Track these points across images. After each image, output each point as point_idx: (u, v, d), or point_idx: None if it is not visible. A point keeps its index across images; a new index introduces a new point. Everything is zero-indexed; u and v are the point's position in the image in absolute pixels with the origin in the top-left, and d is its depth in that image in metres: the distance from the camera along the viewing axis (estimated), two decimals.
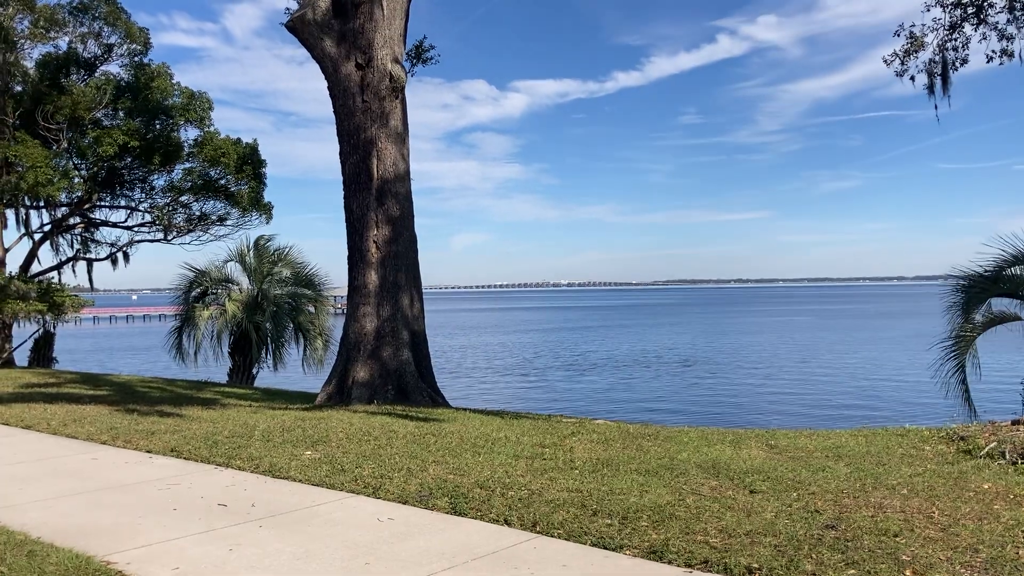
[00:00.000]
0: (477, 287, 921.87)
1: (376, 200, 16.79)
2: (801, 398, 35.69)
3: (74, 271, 33.70)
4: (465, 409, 15.61)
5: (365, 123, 16.84)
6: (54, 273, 32.93)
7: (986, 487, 8.10)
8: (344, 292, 17.47)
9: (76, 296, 29.21)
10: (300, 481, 9.10)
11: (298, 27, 17.28)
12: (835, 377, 43.65)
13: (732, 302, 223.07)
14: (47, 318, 29.12)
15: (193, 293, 26.01)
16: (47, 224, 32.21)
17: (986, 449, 9.36)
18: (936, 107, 14.72)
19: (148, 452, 10.92)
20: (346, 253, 17.19)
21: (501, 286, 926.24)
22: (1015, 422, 10.29)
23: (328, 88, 17.35)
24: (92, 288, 33.76)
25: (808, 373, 45.92)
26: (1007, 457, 9.02)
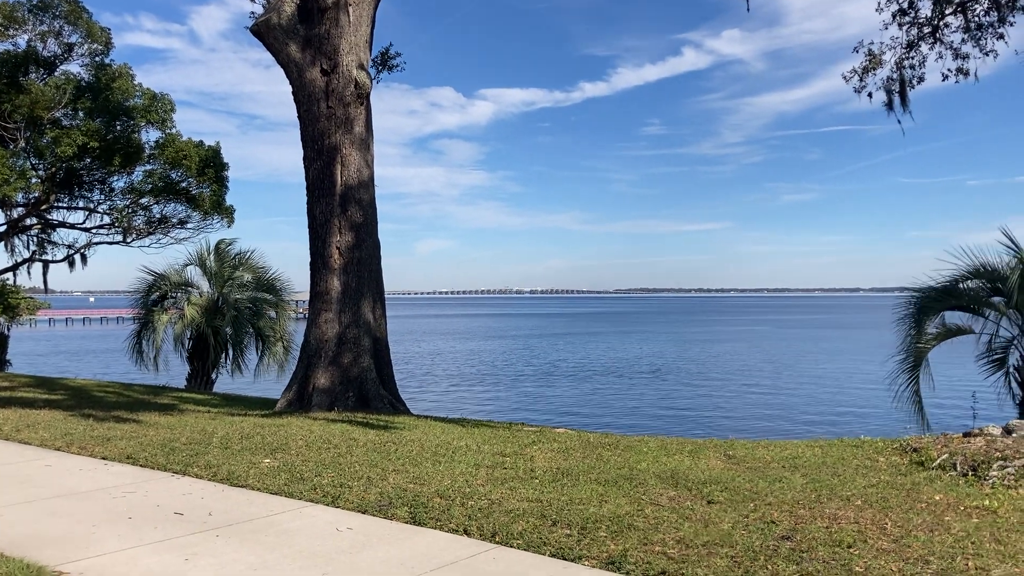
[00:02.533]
0: (441, 293, 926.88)
1: (340, 206, 16.70)
2: (760, 409, 36.12)
3: (29, 273, 33.15)
4: (427, 417, 15.50)
5: (329, 129, 16.75)
6: (9, 275, 32.36)
7: (937, 498, 8.24)
8: (306, 297, 17.30)
9: (31, 298, 28.72)
10: (258, 489, 9.02)
11: (263, 31, 17.15)
12: (793, 388, 44.12)
13: (693, 311, 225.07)
14: (1, 320, 28.59)
15: (152, 297, 25.69)
16: (2, 224, 31.65)
17: (938, 461, 9.53)
18: (899, 121, 15.00)
19: (103, 459, 10.77)
20: (309, 258, 17.02)
21: (465, 292, 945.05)
22: (966, 434, 10.48)
23: (293, 93, 17.23)
24: (47, 290, 33.20)
25: (767, 383, 46.21)
26: (958, 469, 9.19)
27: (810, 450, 11.05)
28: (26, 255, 32.88)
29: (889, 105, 15.14)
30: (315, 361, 16.31)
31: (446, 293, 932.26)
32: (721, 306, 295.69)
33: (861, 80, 15.22)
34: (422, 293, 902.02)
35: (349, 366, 16.19)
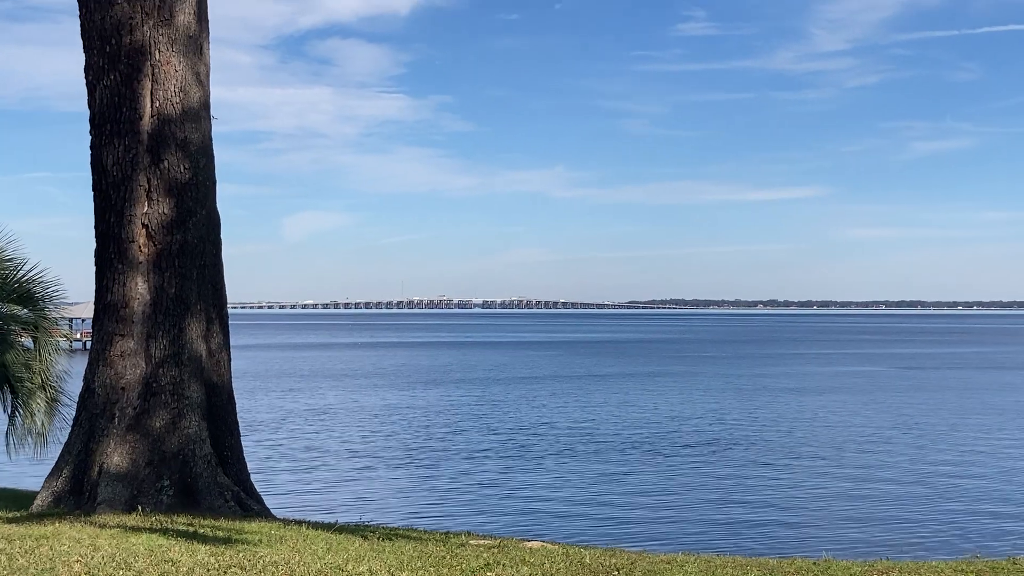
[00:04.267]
0: (332, 306, 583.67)
1: (149, 152, 11.30)
2: (873, 504, 23.45)
3: None
4: (299, 522, 11.56)
5: (132, 17, 11.19)
6: None
7: None
8: (90, 312, 12.35)
9: None
10: None
11: None
12: (933, 475, 27.66)
13: (763, 339, 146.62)
14: None
15: None
16: None
17: None
18: None
19: None
20: (94, 244, 11.79)
21: (375, 305, 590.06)
22: None
23: None
24: None
25: (888, 464, 29.31)
26: None
27: None
28: None
29: None
30: (104, 424, 11.38)
31: (341, 306, 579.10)
32: (810, 331, 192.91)
33: None
34: (297, 306, 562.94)
35: (164, 433, 11.39)
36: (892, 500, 24.07)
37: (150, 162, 11.05)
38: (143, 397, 11.09)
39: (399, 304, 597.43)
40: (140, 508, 10.92)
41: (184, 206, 11.16)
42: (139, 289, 10.99)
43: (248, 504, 11.21)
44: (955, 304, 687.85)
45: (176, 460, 11.12)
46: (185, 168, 11.17)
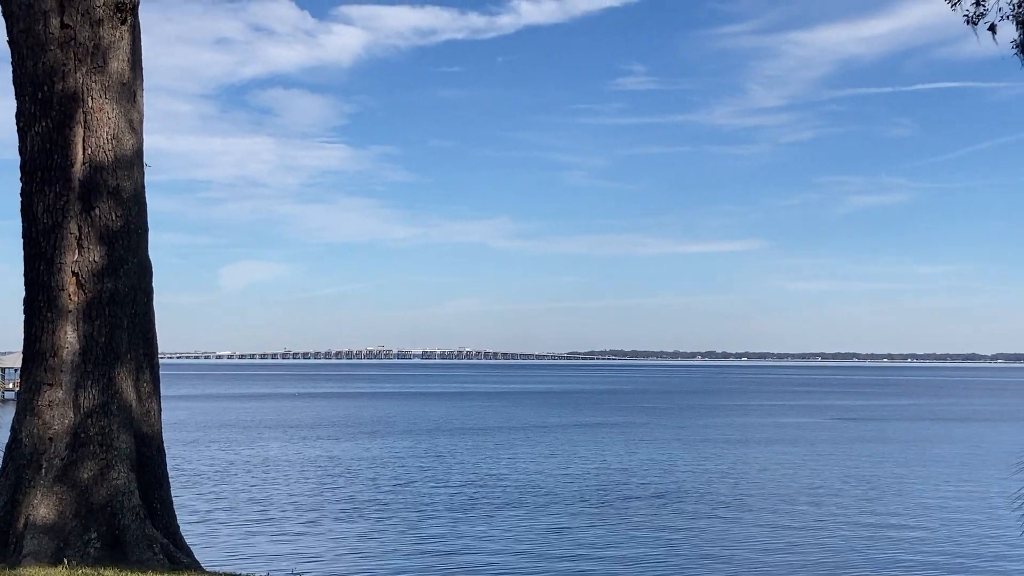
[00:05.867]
0: (270, 356, 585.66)
1: (80, 200, 10.88)
2: (831, 559, 22.92)
3: None
4: (228, 575, 11.34)
5: (65, 64, 10.81)
6: None
7: None
8: (19, 361, 11.14)
9: None
10: None
11: None
12: (884, 527, 27.32)
13: (700, 390, 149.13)
14: None
15: None
16: None
17: None
18: None
19: None
20: (24, 292, 11.33)
21: (313, 355, 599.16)
22: None
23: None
24: None
25: (848, 519, 28.62)
26: None
27: None
28: None
29: (1022, 48, 9.42)
30: (30, 475, 10.86)
31: (278, 356, 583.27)
32: (749, 383, 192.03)
33: (977, 2, 9.36)
34: (234, 356, 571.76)
35: (93, 484, 10.92)
36: (847, 552, 23.53)
37: (81, 209, 10.64)
38: (71, 448, 10.58)
39: (338, 355, 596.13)
40: (67, 561, 10.44)
41: (115, 254, 10.78)
42: (68, 338, 10.53)
43: (177, 556, 10.80)
44: (890, 356, 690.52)
45: (104, 512, 10.61)
46: (117, 216, 10.79)
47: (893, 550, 23.80)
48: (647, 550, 23.41)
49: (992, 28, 9.59)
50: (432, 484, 34.73)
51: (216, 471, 37.76)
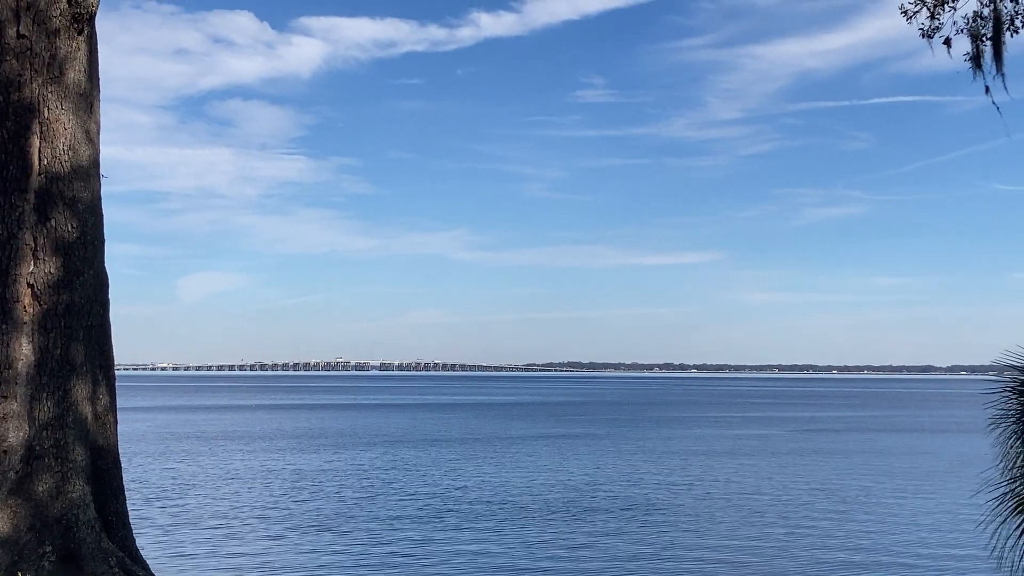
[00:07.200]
0: (227, 368, 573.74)
1: (36, 211, 10.66)
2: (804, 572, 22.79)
3: None
4: None
5: (21, 74, 10.65)
6: None
7: None
8: None
9: None
10: None
11: None
12: (855, 537, 27.28)
13: (658, 401, 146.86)
14: None
15: None
16: None
17: None
18: (988, 89, 9.43)
19: None
20: None
21: (266, 366, 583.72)
22: None
23: None
24: None
25: (820, 531, 28.23)
26: None
27: None
28: None
29: (976, 61, 9.59)
30: None
31: (235, 368, 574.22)
32: (707, 394, 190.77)
33: (932, 16, 9.52)
34: (191, 368, 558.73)
35: (47, 498, 10.64)
36: (820, 565, 23.14)
37: (37, 220, 10.38)
38: (25, 460, 10.30)
39: (295, 366, 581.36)
40: (20, 574, 10.16)
41: (71, 266, 10.54)
42: (24, 350, 10.26)
43: (133, 570, 10.56)
44: (846, 368, 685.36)
45: (59, 525, 10.34)
46: (73, 227, 10.54)
47: (864, 559, 23.80)
48: (618, 562, 23.08)
49: (947, 42, 9.76)
50: (397, 497, 33.82)
51: (178, 484, 36.69)
